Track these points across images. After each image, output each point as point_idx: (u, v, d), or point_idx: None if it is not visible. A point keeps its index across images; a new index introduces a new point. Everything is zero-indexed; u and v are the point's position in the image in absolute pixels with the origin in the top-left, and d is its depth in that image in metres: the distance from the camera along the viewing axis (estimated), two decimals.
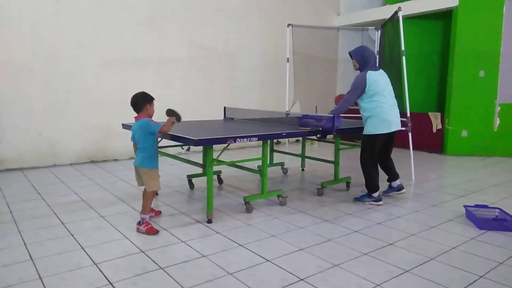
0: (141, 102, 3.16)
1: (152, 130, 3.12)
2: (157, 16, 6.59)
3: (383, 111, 3.85)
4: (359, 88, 3.85)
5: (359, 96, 3.90)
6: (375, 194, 3.99)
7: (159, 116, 3.42)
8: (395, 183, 4.29)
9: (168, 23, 6.72)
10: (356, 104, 4.23)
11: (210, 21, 7.22)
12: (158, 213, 3.64)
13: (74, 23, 5.83)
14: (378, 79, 3.84)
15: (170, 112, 3.28)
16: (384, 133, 3.90)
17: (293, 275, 2.49)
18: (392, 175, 4.27)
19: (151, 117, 3.23)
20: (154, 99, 3.24)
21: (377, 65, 4.02)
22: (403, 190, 4.30)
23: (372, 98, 3.84)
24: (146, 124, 3.12)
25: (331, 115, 3.87)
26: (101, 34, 6.07)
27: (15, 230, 3.20)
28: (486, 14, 6.90)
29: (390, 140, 4.10)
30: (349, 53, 4.06)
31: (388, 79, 4.00)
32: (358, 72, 4.01)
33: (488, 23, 6.91)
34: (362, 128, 4.66)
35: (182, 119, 3.32)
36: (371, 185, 3.99)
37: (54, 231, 3.21)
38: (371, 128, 3.91)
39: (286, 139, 7.99)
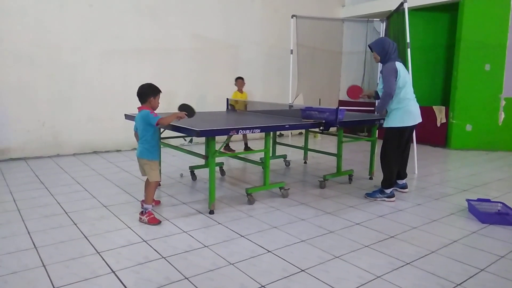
0: (146, 94, 3.16)
1: (150, 121, 3.12)
2: (161, 7, 6.55)
3: (410, 104, 3.81)
4: (393, 76, 3.70)
5: (395, 85, 3.72)
6: (388, 190, 3.95)
7: (163, 107, 3.41)
8: (401, 181, 4.26)
9: (171, 14, 6.68)
10: (375, 97, 4.17)
11: (213, 12, 7.17)
12: (158, 202, 3.66)
13: (78, 13, 5.81)
14: (404, 71, 3.80)
15: (183, 107, 3.25)
16: (410, 126, 3.86)
17: (294, 266, 2.50)
18: (402, 172, 4.22)
19: (154, 109, 3.22)
20: (160, 91, 3.22)
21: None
22: (406, 190, 4.28)
23: (399, 90, 3.77)
24: (146, 116, 3.13)
25: (334, 108, 3.85)
26: (105, 24, 6.05)
27: (19, 219, 3.23)
28: (493, 6, 6.82)
29: (410, 134, 4.05)
30: (369, 46, 3.97)
31: (407, 71, 3.94)
32: (371, 69, 3.96)
33: (495, 16, 6.83)
34: (365, 121, 4.65)
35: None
36: (389, 180, 3.93)
37: (58, 220, 3.23)
38: (398, 120, 3.82)
39: (289, 132, 7.98)
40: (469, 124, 7.17)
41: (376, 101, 3.97)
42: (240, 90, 6.20)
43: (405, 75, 3.80)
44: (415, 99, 3.94)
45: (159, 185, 4.19)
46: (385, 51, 3.81)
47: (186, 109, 3.25)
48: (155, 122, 3.09)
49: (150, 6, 6.45)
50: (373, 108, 6.17)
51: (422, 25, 8.07)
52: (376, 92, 4.19)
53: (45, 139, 5.79)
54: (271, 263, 2.54)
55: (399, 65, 3.78)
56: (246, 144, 6.41)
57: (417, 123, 3.91)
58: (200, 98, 7.07)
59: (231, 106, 5.83)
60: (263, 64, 8.00)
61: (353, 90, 4.27)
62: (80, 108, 6.00)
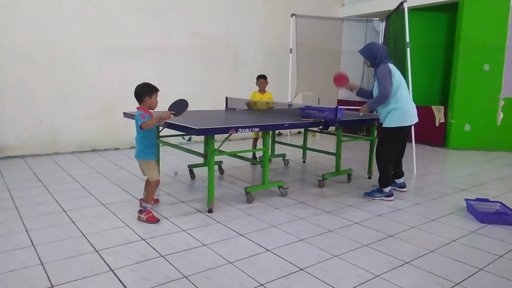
0: (141, 93, 3.13)
1: (137, 123, 3.10)
2: (160, 5, 6.53)
3: (406, 103, 3.83)
4: (388, 78, 3.73)
5: (391, 86, 3.75)
6: (386, 189, 3.95)
7: (161, 106, 3.40)
8: (399, 180, 4.26)
9: (170, 12, 6.66)
10: (358, 93, 4.20)
11: (213, 11, 7.16)
12: (156, 201, 3.65)
13: (76, 11, 5.79)
14: (397, 71, 3.83)
15: (173, 106, 3.21)
16: (407, 126, 3.88)
17: (293, 265, 2.50)
18: (398, 172, 4.24)
19: (152, 109, 3.21)
20: (157, 90, 3.19)
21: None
22: (405, 189, 4.28)
23: (395, 91, 3.79)
24: (136, 117, 3.11)
25: (334, 107, 3.85)
26: (104, 22, 6.03)
27: (17, 217, 3.22)
28: (492, 6, 6.82)
29: (407, 134, 4.06)
30: (359, 52, 4.02)
31: (399, 72, 3.98)
32: (370, 69, 3.99)
33: (494, 16, 6.83)
34: (364, 120, 4.65)
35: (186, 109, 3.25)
36: (386, 179, 3.93)
37: (56, 218, 3.22)
38: (396, 120, 3.83)
39: (288, 131, 7.97)
40: (467, 124, 7.18)
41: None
42: (261, 91, 5.64)
43: (399, 75, 3.83)
44: (412, 98, 3.96)
45: None
46: (374, 55, 3.86)
47: (174, 107, 3.18)
48: (139, 125, 3.08)
49: (150, 4, 6.43)
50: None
51: (422, 25, 8.07)
52: (361, 88, 4.22)
53: (43, 137, 5.77)
54: (270, 262, 2.53)
55: (390, 65, 3.81)
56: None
57: (414, 123, 3.93)
58: (200, 96, 7.05)
59: (250, 108, 5.47)
60: (262, 63, 7.98)
61: (339, 78, 4.18)
62: (79, 106, 5.97)
